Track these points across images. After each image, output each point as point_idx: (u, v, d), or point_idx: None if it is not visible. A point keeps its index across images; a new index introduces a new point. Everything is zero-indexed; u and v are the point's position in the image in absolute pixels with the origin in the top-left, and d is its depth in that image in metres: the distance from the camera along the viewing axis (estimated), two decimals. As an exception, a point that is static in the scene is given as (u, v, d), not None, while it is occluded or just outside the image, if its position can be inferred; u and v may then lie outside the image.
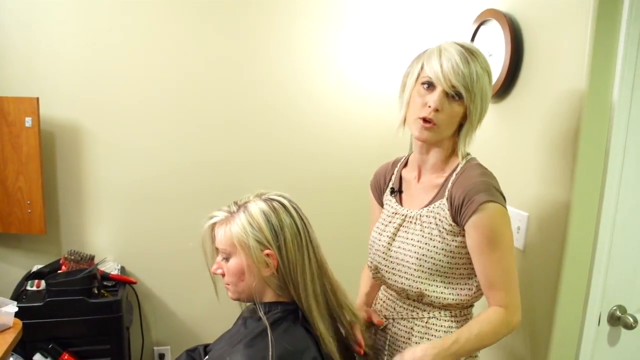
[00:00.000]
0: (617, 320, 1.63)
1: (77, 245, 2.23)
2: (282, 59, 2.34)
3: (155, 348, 2.42)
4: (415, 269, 1.35)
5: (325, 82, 2.40)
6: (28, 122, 2.04)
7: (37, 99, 2.04)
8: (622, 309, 1.64)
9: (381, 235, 1.46)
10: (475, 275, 1.34)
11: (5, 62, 2.10)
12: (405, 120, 1.38)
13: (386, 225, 1.45)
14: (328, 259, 1.32)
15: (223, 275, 1.29)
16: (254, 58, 2.31)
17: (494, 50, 1.83)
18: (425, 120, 1.30)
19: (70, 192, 2.23)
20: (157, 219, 2.32)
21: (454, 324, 1.38)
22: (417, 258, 1.35)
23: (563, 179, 1.56)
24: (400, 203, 1.47)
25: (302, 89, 2.38)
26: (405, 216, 1.41)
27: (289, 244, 1.23)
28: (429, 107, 1.28)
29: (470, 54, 1.28)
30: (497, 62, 1.80)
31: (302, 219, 1.28)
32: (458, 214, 1.29)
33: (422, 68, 1.32)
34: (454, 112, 1.30)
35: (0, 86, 2.10)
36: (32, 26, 2.09)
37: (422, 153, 1.41)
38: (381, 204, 1.55)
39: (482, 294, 1.37)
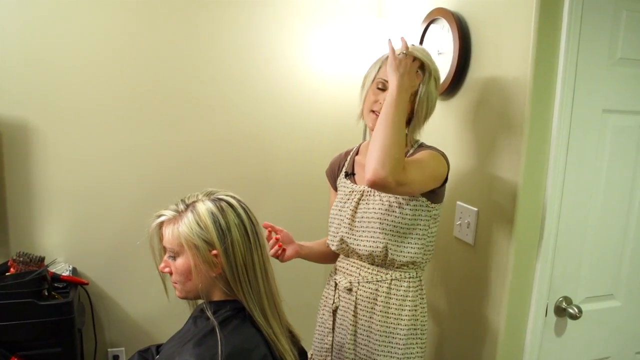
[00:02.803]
0: (563, 311, 1.68)
1: (26, 247, 2.17)
2: (236, 56, 2.32)
3: (109, 350, 2.37)
4: (380, 231, 1.56)
5: (281, 80, 2.40)
6: (-28, 120, 1.98)
7: (-18, 96, 1.98)
8: (568, 300, 1.69)
9: (341, 210, 1.67)
10: (426, 237, 1.59)
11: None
12: (362, 113, 1.63)
13: (345, 202, 1.67)
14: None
15: (171, 273, 1.28)
16: (209, 53, 2.29)
17: (443, 48, 1.86)
18: (377, 113, 1.53)
19: (19, 192, 2.16)
20: (109, 219, 2.28)
21: (411, 284, 1.60)
22: (380, 222, 1.56)
23: (510, 174, 1.60)
24: (355, 183, 1.68)
25: (259, 87, 2.38)
26: (363, 192, 1.63)
27: (236, 245, 1.23)
28: (380, 103, 1.52)
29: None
30: (446, 60, 1.83)
31: (250, 219, 1.28)
32: None
33: (378, 71, 1.58)
34: None
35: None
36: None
37: None
38: (336, 189, 1.77)
39: (431, 255, 1.65)
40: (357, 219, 1.61)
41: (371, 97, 1.57)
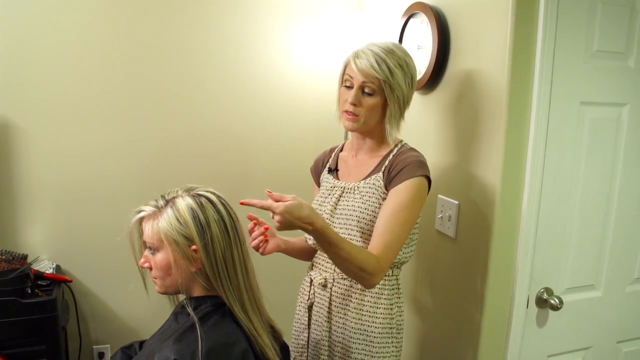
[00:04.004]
0: (544, 302, 1.70)
1: (9, 245, 2.15)
2: (217, 52, 2.32)
3: (94, 347, 2.37)
4: (357, 230, 1.54)
5: (262, 75, 2.40)
6: (-49, 117, 1.96)
7: (-39, 94, 1.96)
8: (549, 291, 1.71)
9: (322, 205, 1.64)
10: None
11: None
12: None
13: (326, 197, 1.65)
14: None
15: (150, 268, 1.28)
16: (190, 49, 2.28)
17: (423, 43, 1.86)
18: (348, 113, 1.53)
19: (1, 190, 2.16)
20: (92, 216, 2.27)
21: (386, 282, 1.58)
22: (357, 221, 1.54)
23: (490, 167, 1.61)
24: (337, 179, 1.67)
25: (240, 83, 2.37)
26: (344, 188, 1.61)
27: (215, 240, 1.23)
28: (346, 101, 1.52)
29: (384, 53, 1.48)
30: (425, 54, 1.83)
31: (230, 215, 1.28)
32: (391, 181, 1.51)
33: (345, 69, 1.56)
34: (369, 105, 1.51)
35: None
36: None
37: (359, 139, 1.64)
38: (320, 185, 1.76)
39: (410, 256, 1.62)
40: (336, 215, 1.59)
41: (343, 97, 1.55)
